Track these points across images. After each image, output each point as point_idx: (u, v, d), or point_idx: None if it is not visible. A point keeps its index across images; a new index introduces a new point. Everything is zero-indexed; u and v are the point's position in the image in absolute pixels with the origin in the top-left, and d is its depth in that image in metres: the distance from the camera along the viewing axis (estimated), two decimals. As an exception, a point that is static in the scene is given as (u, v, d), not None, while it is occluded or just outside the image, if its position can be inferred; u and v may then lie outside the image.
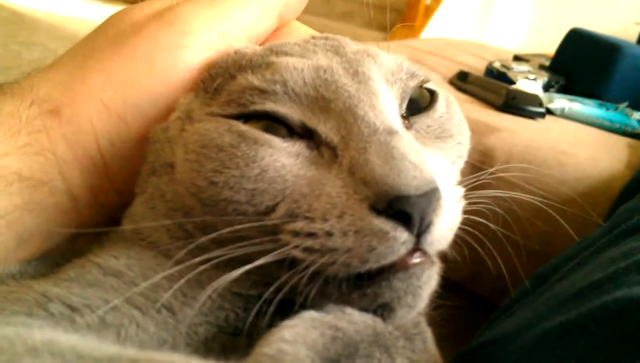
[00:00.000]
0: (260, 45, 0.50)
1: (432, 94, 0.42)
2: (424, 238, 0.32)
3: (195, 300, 0.34)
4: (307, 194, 0.34)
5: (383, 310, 0.34)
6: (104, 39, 0.43)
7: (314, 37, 0.43)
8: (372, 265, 0.32)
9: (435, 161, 0.37)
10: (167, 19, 0.42)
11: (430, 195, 0.32)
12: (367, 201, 0.32)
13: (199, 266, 0.33)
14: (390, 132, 0.34)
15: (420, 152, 0.34)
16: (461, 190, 0.37)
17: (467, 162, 0.43)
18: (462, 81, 1.31)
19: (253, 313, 0.34)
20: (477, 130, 1.08)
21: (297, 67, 0.37)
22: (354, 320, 0.33)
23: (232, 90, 0.37)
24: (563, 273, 0.50)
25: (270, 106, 0.36)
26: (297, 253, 0.33)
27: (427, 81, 0.42)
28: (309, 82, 0.36)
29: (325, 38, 0.42)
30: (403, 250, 0.32)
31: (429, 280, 0.35)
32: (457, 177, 0.40)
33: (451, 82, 1.34)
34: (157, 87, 0.41)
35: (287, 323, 0.31)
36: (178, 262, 0.33)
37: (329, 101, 0.36)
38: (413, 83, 0.40)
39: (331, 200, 0.33)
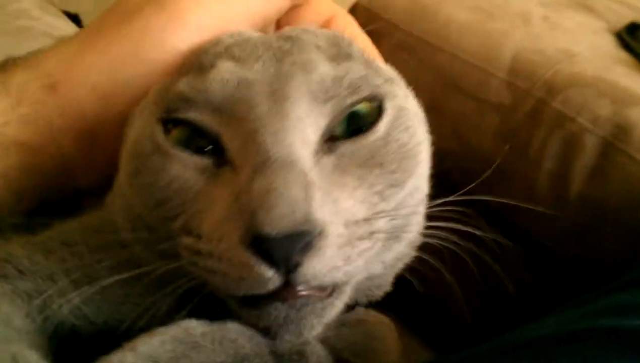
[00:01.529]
0: (277, 28, 0.49)
1: (380, 114, 0.38)
2: (294, 277, 0.32)
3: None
4: (202, 211, 0.34)
5: (268, 333, 0.35)
6: (109, 18, 0.45)
7: (280, 36, 0.41)
8: (246, 292, 0.33)
9: (336, 197, 0.34)
10: (161, 1, 0.43)
11: (295, 237, 0.30)
12: (238, 232, 0.31)
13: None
14: (283, 164, 0.32)
15: (312, 188, 0.32)
16: (379, 222, 0.35)
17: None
18: (631, 36, 1.08)
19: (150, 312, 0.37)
20: (619, 98, 0.90)
21: (224, 78, 0.36)
22: (228, 337, 0.34)
23: (171, 92, 0.38)
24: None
25: (192, 115, 0.36)
26: (187, 266, 0.35)
27: (374, 97, 0.38)
28: (227, 97, 0.35)
29: (287, 38, 0.40)
30: (271, 286, 0.32)
31: (319, 310, 0.34)
32: (389, 205, 0.37)
33: (618, 35, 1.12)
34: (142, 69, 0.43)
35: (149, 334, 0.33)
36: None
37: (239, 120, 0.35)
38: (352, 99, 0.36)
39: (216, 223, 0.33)
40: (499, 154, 0.73)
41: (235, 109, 0.35)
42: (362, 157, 0.36)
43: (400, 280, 0.48)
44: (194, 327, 0.35)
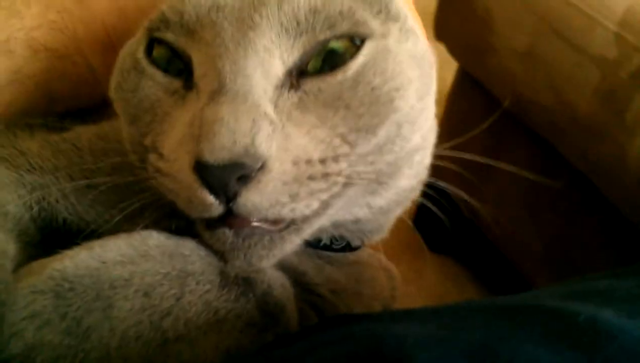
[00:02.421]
0: None
1: (357, 52, 0.35)
2: (235, 206, 0.32)
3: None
4: (166, 132, 0.35)
5: (222, 257, 0.36)
6: None
7: None
8: (196, 215, 0.34)
9: (290, 133, 0.32)
10: None
11: (232, 168, 0.30)
12: (188, 156, 0.32)
13: None
14: (236, 94, 0.32)
15: (261, 121, 0.31)
16: (340, 165, 0.34)
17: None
18: None
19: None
20: None
21: (199, 1, 0.35)
22: (180, 252, 0.36)
23: (156, 11, 0.38)
24: None
25: (168, 36, 0.36)
26: (152, 181, 0.36)
27: (353, 34, 0.35)
28: (200, 20, 0.35)
29: None
30: (215, 212, 0.32)
31: (267, 243, 0.34)
32: (356, 150, 0.35)
33: None
34: None
35: (112, 237, 0.36)
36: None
37: (207, 44, 0.34)
38: (326, 35, 0.34)
39: (174, 144, 0.33)
40: (596, 114, 0.63)
41: (204, 33, 0.34)
42: (328, 96, 0.34)
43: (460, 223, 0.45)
44: (151, 237, 0.36)
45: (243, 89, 0.32)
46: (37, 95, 0.48)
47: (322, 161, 0.33)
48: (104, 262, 0.33)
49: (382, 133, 0.35)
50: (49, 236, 0.41)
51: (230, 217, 0.33)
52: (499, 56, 0.75)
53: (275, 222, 0.34)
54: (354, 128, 0.34)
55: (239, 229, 0.34)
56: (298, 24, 0.34)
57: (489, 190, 0.71)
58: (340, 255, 0.45)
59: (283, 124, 0.32)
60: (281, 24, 0.34)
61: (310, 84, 0.34)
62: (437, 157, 0.44)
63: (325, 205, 0.35)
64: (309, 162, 0.33)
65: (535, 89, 0.72)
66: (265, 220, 0.34)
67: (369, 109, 0.34)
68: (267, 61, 0.33)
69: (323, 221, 0.37)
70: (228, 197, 0.31)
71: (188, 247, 0.36)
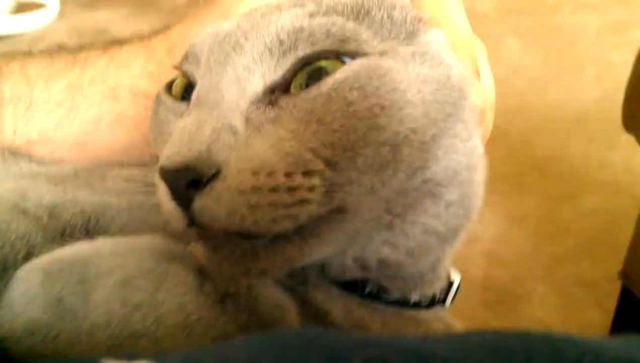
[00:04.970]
0: None
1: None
2: (192, 212, 0.32)
3: None
4: None
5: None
6: None
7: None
8: (173, 227, 0.35)
9: (254, 145, 0.33)
10: None
11: (184, 171, 0.31)
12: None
13: None
14: (206, 107, 0.34)
15: (224, 131, 0.33)
16: (311, 180, 0.33)
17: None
18: None
19: None
20: None
21: (210, 32, 0.39)
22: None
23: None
24: None
25: (185, 67, 0.40)
26: None
27: (335, 50, 0.35)
28: (207, 49, 0.38)
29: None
30: (180, 220, 0.33)
31: (238, 256, 0.34)
32: (337, 167, 0.33)
33: None
34: None
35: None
36: None
37: (206, 67, 0.37)
38: (306, 51, 0.35)
39: None
40: None
41: (202, 57, 0.38)
42: (301, 111, 0.34)
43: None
44: (152, 238, 0.38)
45: (213, 102, 0.34)
46: (136, 136, 0.55)
47: (288, 174, 0.32)
48: (97, 252, 0.35)
49: (369, 153, 0.33)
50: None
51: (201, 229, 0.33)
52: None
53: (248, 237, 0.33)
54: (328, 143, 0.33)
55: (209, 241, 0.34)
56: (281, 43, 0.35)
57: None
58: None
59: (248, 136, 0.33)
60: (265, 44, 0.35)
61: (287, 100, 0.34)
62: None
63: (311, 230, 0.34)
64: (271, 174, 0.32)
65: None
66: (237, 233, 0.33)
67: (343, 124, 0.33)
68: (244, 78, 0.35)
69: (322, 250, 0.36)
70: (185, 204, 0.32)
71: (183, 252, 0.37)
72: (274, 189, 0.32)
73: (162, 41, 0.55)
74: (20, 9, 1.41)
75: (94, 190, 0.45)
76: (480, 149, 0.40)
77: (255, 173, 0.32)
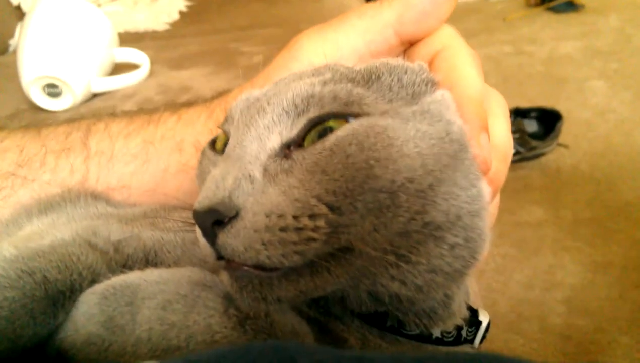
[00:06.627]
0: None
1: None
2: (217, 247, 0.38)
3: None
4: None
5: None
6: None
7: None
8: (207, 260, 0.41)
9: (268, 191, 0.38)
10: (289, 45, 0.57)
11: (209, 213, 0.37)
12: None
13: None
14: (232, 160, 0.40)
15: (244, 180, 0.38)
16: (316, 222, 0.37)
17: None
18: None
19: None
20: None
21: (244, 98, 0.46)
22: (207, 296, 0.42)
23: None
24: None
25: (224, 126, 0.47)
26: None
27: (339, 113, 0.40)
28: (239, 111, 0.45)
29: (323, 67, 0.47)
30: (210, 254, 0.39)
31: (257, 285, 0.38)
32: (340, 211, 0.38)
33: None
34: None
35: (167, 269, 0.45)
36: None
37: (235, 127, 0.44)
38: (315, 113, 0.41)
39: None
40: None
41: (237, 119, 0.45)
42: (309, 163, 0.39)
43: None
44: (190, 270, 0.44)
45: (238, 155, 0.40)
46: (192, 186, 0.63)
47: (296, 217, 0.37)
48: (145, 280, 0.42)
49: (368, 198, 0.38)
50: None
51: (226, 262, 0.38)
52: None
53: (264, 269, 0.38)
54: (331, 191, 0.38)
55: (232, 272, 0.39)
56: (296, 107, 0.41)
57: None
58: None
59: (265, 184, 0.39)
60: (282, 108, 0.42)
61: (299, 154, 0.40)
62: None
63: (321, 265, 0.38)
64: (281, 216, 0.37)
65: None
66: (254, 265, 0.38)
67: (343, 174, 0.38)
68: (264, 136, 0.41)
69: (332, 283, 0.39)
70: (212, 240, 0.38)
71: (213, 281, 0.43)
72: (283, 229, 0.37)
73: (220, 103, 0.64)
74: (117, 68, 1.61)
75: (157, 228, 0.53)
76: (485, 196, 0.43)
77: (267, 215, 0.37)
